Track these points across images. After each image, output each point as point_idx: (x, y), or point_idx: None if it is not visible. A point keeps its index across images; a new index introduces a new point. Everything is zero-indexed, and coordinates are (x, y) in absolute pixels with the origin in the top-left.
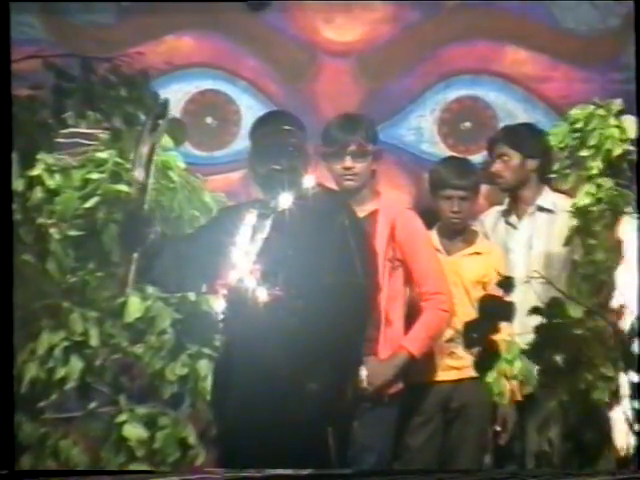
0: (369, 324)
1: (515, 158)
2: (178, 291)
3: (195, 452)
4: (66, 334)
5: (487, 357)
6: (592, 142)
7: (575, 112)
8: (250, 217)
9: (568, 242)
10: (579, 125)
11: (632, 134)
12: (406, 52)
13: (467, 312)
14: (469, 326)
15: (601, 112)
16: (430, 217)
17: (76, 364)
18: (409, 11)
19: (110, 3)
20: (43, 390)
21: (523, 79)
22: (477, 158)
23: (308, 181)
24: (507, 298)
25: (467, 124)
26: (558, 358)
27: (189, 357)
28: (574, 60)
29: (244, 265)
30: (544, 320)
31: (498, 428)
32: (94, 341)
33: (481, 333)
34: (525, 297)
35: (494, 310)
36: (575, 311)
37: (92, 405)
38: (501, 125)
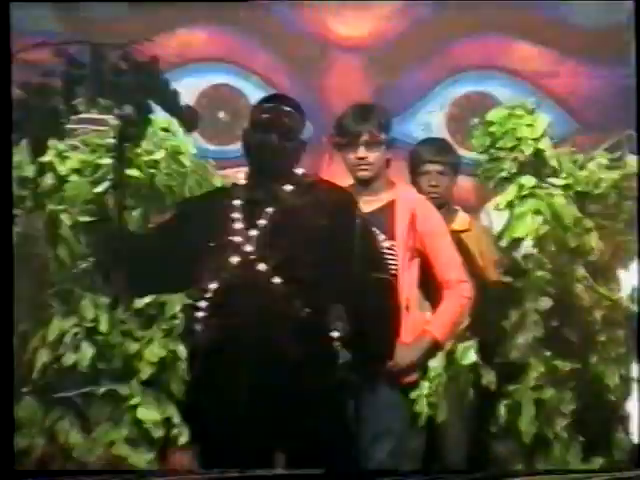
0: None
1: None
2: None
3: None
4: (77, 320)
5: None
6: (508, 144)
7: (491, 115)
8: (235, 202)
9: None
10: (494, 129)
11: (542, 132)
12: (415, 47)
13: None
14: None
15: (518, 112)
16: None
17: (87, 350)
18: (419, 6)
19: None
20: (54, 376)
21: (531, 74)
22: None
23: (299, 169)
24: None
25: (475, 120)
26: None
27: None
28: (582, 55)
29: (246, 250)
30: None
31: None
32: (104, 327)
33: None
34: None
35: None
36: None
37: (102, 389)
38: None
